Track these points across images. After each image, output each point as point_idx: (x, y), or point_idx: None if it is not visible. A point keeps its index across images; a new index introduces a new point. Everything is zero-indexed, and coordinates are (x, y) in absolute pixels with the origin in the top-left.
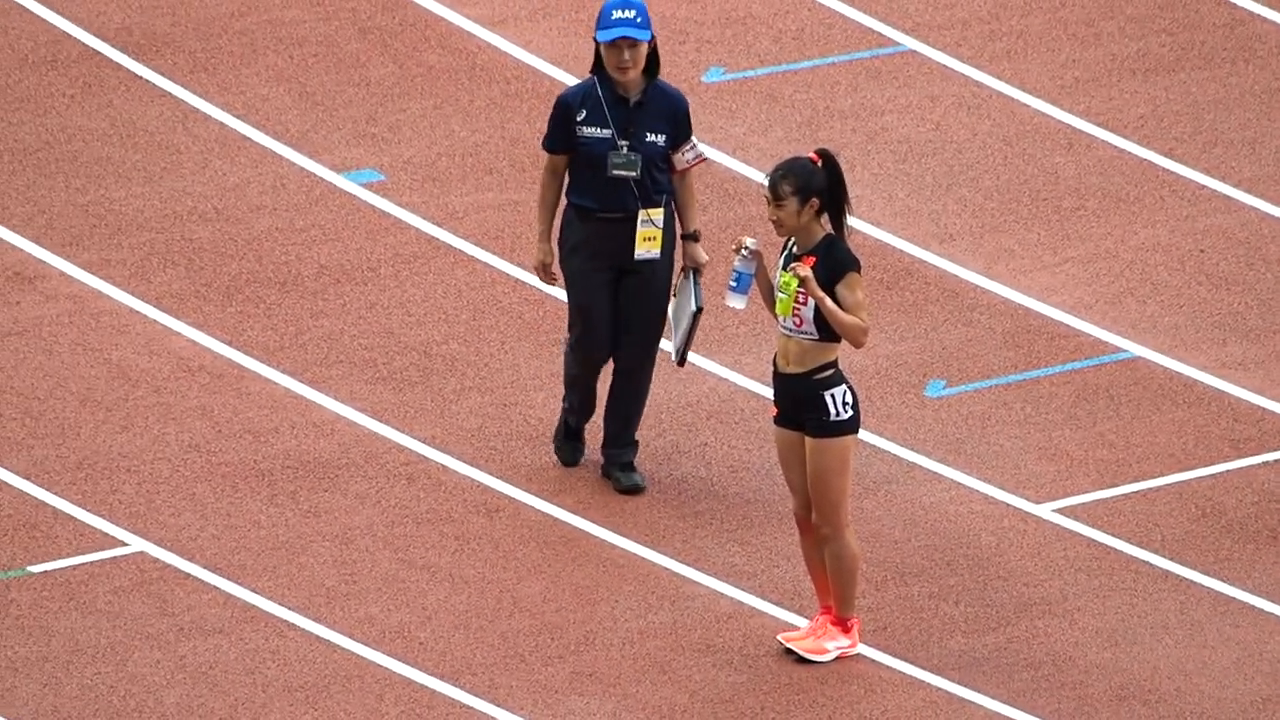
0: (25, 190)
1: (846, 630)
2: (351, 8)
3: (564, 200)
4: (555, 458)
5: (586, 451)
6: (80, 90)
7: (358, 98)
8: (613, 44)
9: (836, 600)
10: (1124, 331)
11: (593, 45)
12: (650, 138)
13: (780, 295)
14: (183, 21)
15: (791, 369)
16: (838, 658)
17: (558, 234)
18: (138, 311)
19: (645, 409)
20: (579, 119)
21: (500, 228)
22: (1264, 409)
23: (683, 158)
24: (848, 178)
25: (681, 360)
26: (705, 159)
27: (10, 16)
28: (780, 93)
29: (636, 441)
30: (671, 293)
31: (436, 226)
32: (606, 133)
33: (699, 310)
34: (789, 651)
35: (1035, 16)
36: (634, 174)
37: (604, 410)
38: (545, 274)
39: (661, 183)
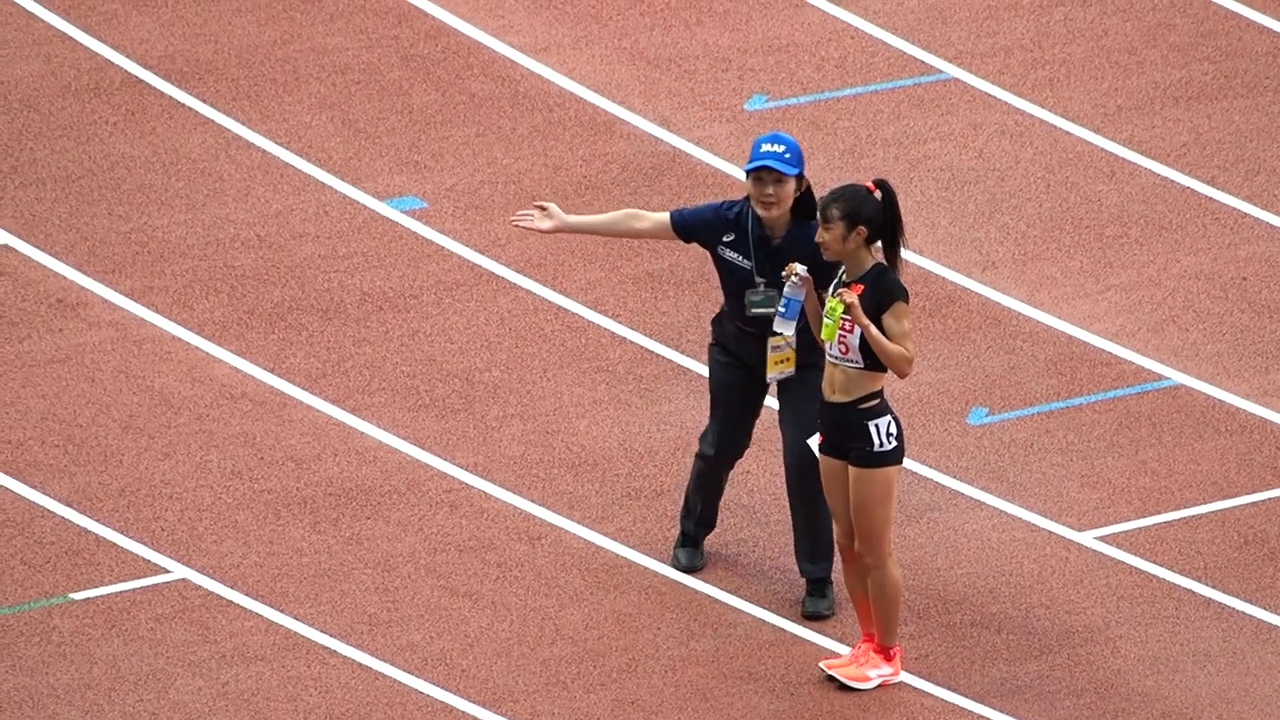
0: (68, 218)
1: (889, 659)
2: (394, 35)
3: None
4: (601, 485)
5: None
6: (123, 118)
7: (400, 125)
8: (756, 175)
9: (879, 629)
10: (1166, 359)
11: (633, 72)
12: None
13: (826, 320)
14: (226, 49)
15: (837, 397)
16: (880, 685)
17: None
18: (180, 339)
19: (824, 534)
20: (724, 239)
21: (543, 255)
22: None
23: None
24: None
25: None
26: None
27: (54, 44)
28: (823, 120)
29: (827, 566)
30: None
31: (479, 254)
32: (747, 264)
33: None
34: (831, 679)
35: (1078, 44)
36: (771, 310)
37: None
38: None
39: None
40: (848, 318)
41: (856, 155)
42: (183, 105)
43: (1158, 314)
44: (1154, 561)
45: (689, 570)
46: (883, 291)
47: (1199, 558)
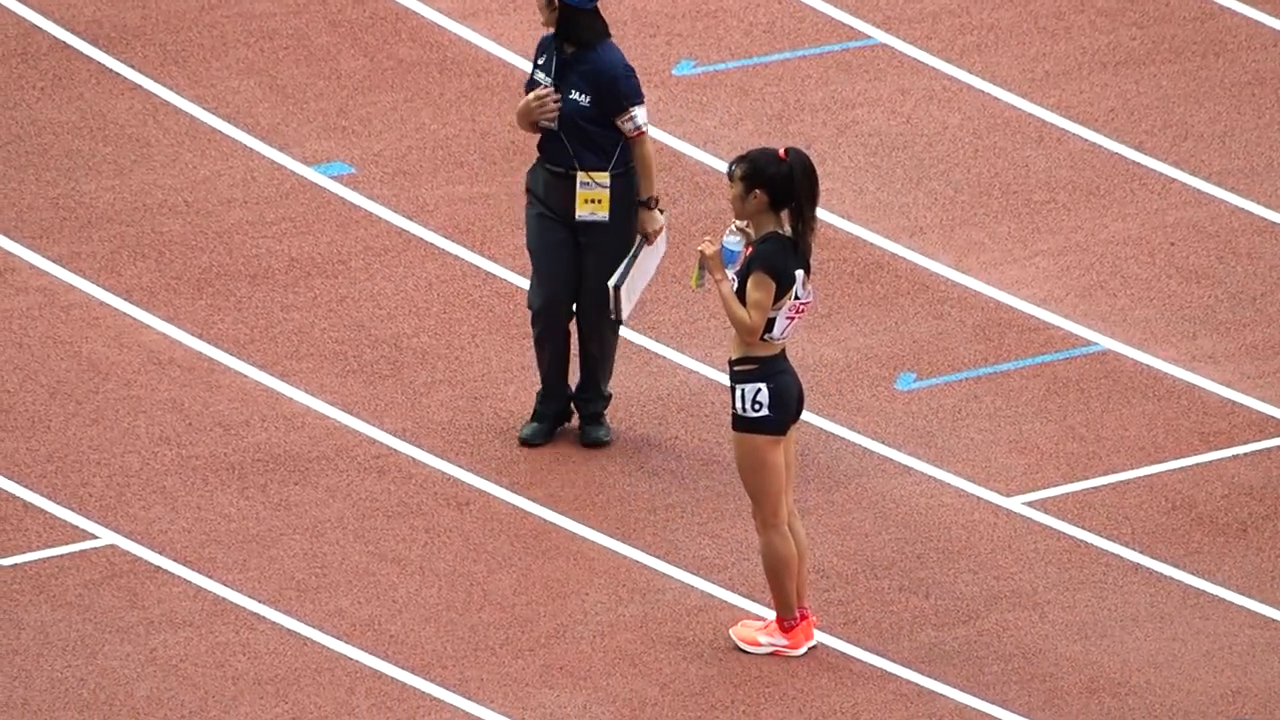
0: None
1: (785, 631)
2: (322, 1)
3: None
4: (529, 450)
5: (550, 435)
6: (50, 83)
7: (328, 91)
8: None
9: (773, 599)
10: (1094, 325)
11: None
12: (573, 95)
13: (696, 269)
14: (153, 14)
15: (728, 353)
16: (773, 653)
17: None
18: (108, 304)
19: (612, 369)
20: (539, 62)
21: (471, 221)
22: (1234, 402)
23: (623, 128)
24: (819, 171)
25: (618, 321)
26: (644, 131)
27: None
28: (751, 86)
29: (607, 396)
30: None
31: (407, 219)
32: (547, 80)
33: (614, 287)
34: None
35: (1005, 10)
36: (551, 126)
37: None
38: (534, 101)
39: (602, 145)
40: (806, 295)
41: (784, 120)
42: (110, 70)
43: (1085, 279)
44: (1082, 526)
45: (524, 443)
46: (754, 258)
47: (1127, 523)
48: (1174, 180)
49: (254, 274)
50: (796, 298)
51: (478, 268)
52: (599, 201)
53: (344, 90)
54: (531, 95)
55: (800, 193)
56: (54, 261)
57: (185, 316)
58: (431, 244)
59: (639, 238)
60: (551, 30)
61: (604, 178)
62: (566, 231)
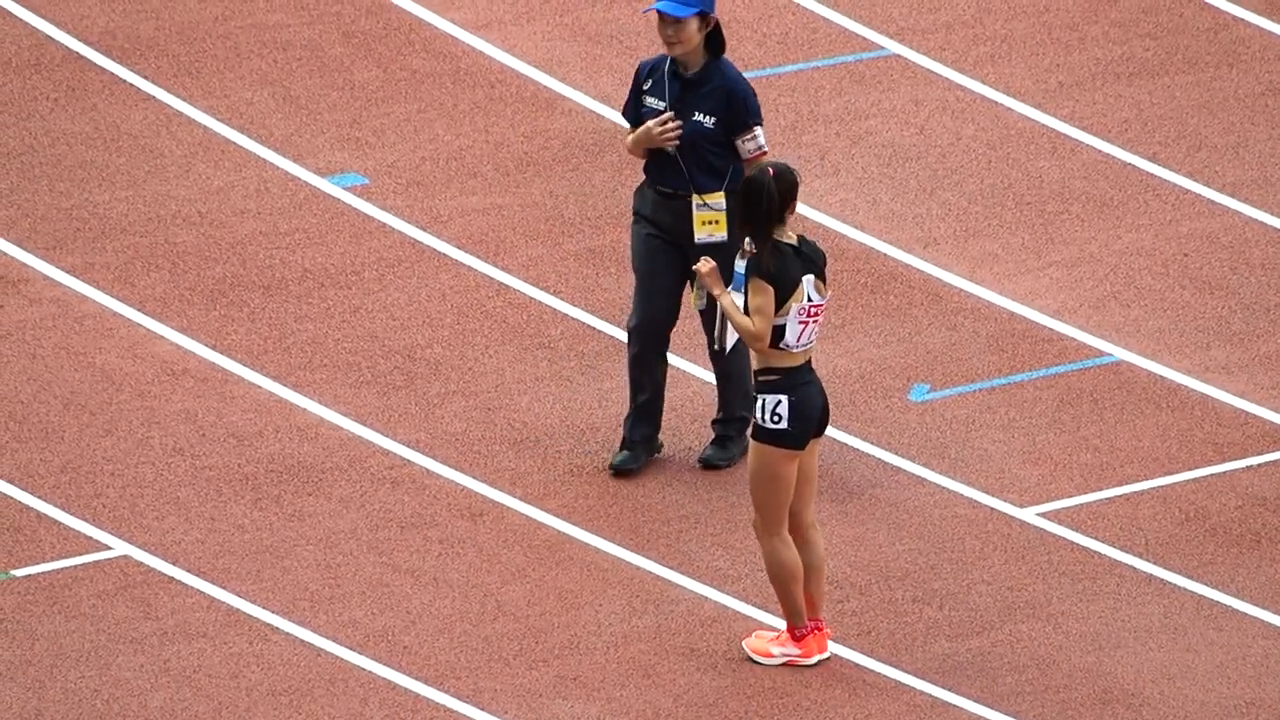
0: (9, 194)
1: (797, 640)
2: (336, 12)
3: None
4: (544, 461)
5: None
6: (64, 94)
7: (342, 102)
8: (658, 16)
9: (782, 608)
10: (1108, 335)
11: (575, 48)
12: (697, 116)
13: (695, 287)
14: (167, 25)
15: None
16: (786, 663)
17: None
18: (121, 315)
19: (741, 388)
20: (645, 88)
21: (484, 232)
22: (1247, 413)
23: (744, 147)
24: (832, 181)
25: (721, 349)
26: (765, 151)
27: None
28: (765, 97)
29: (742, 418)
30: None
31: (421, 230)
32: (662, 105)
33: (702, 310)
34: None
35: (1019, 21)
36: (672, 150)
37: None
38: (656, 126)
39: (719, 168)
40: (816, 300)
41: (798, 131)
42: (124, 81)
43: (1099, 290)
44: (1095, 537)
45: (616, 471)
46: (749, 267)
47: (1140, 534)
48: (1188, 191)
49: (267, 285)
50: (809, 300)
51: (491, 279)
52: (717, 223)
53: (358, 101)
54: (653, 121)
55: (760, 213)
56: (67, 272)
57: (199, 327)
58: (445, 255)
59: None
60: (665, 53)
61: (720, 199)
62: (676, 252)
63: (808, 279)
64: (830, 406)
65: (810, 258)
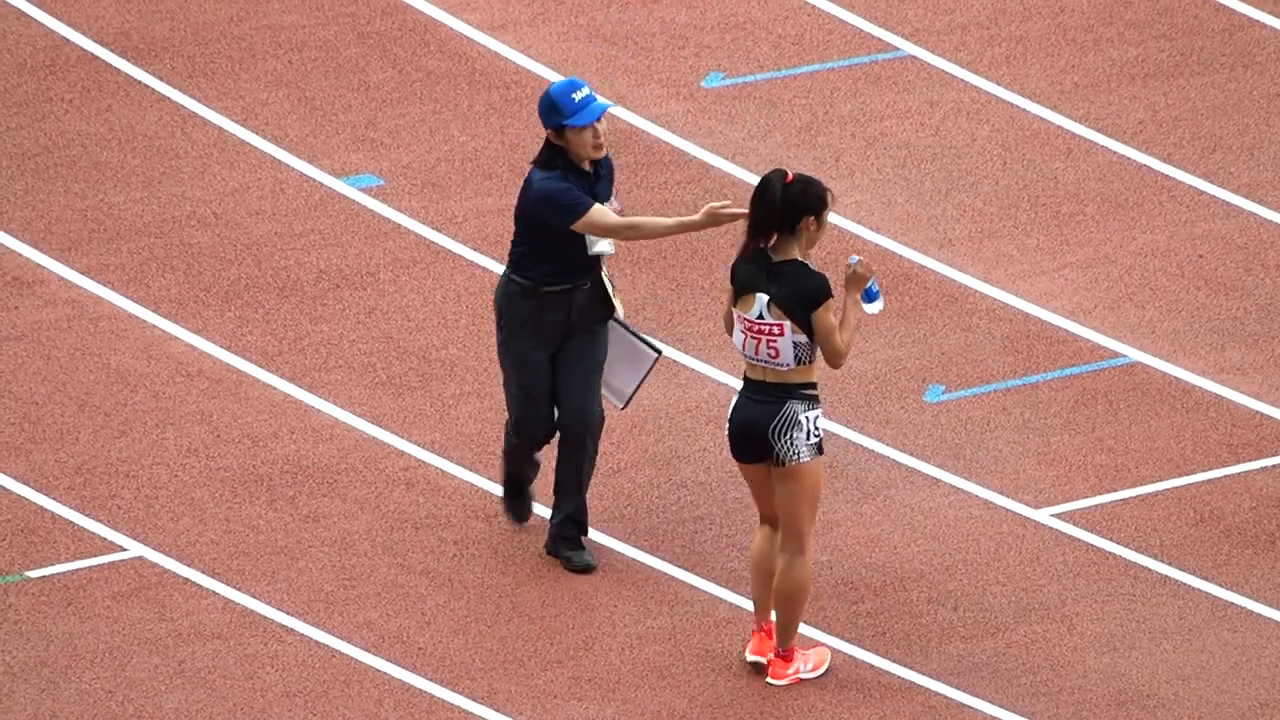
0: (24, 195)
1: (801, 651)
2: (351, 13)
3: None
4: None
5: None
6: (79, 95)
7: (357, 103)
8: (590, 126)
9: (787, 626)
10: (1122, 336)
11: (590, 50)
12: (611, 203)
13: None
14: (182, 26)
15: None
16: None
17: (495, 310)
18: (136, 316)
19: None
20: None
21: (499, 233)
22: (1262, 414)
23: (614, 208)
24: (847, 183)
25: (626, 404)
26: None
27: (8, 21)
28: (780, 98)
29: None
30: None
31: (436, 231)
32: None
33: (659, 354)
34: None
35: (1034, 22)
36: (611, 251)
37: (554, 484)
38: (722, 209)
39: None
40: (764, 320)
41: (813, 133)
42: (139, 82)
43: (1114, 291)
44: (1110, 539)
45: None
46: (817, 289)
47: (1155, 535)
48: (1203, 192)
49: (282, 286)
50: (760, 316)
51: None
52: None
53: (373, 102)
54: (716, 204)
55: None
56: (82, 273)
57: (214, 328)
58: (460, 256)
59: (615, 321)
60: (592, 156)
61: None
62: (549, 354)
63: (761, 298)
64: (837, 406)
65: (783, 284)
